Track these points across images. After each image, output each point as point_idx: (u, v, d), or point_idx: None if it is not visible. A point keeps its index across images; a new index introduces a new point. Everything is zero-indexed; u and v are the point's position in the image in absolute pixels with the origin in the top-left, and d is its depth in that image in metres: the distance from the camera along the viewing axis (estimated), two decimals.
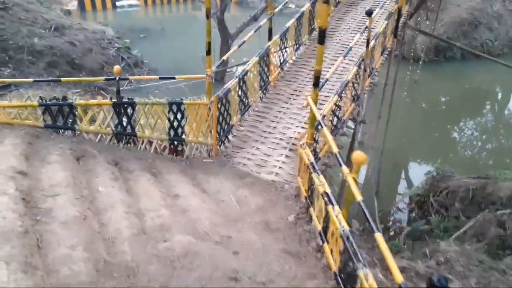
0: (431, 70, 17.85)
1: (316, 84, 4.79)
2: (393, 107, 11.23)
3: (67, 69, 14.24)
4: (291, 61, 8.17)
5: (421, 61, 16.82)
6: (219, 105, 5.96)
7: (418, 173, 12.59)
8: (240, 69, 15.78)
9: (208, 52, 5.35)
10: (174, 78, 6.00)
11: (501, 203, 8.79)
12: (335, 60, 7.88)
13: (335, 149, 4.11)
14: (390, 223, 10.34)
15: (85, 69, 14.57)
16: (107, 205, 4.37)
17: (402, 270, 5.32)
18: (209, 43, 5.28)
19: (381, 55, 7.82)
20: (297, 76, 7.87)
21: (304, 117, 6.97)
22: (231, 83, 6.26)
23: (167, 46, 19.16)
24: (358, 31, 8.89)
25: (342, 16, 9.71)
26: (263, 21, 6.97)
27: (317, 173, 4.65)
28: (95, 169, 4.93)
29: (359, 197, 3.49)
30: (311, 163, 4.85)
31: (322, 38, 4.46)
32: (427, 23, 18.19)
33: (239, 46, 6.28)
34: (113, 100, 5.38)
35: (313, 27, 8.80)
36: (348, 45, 8.50)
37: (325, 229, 4.38)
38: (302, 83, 7.70)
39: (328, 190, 4.31)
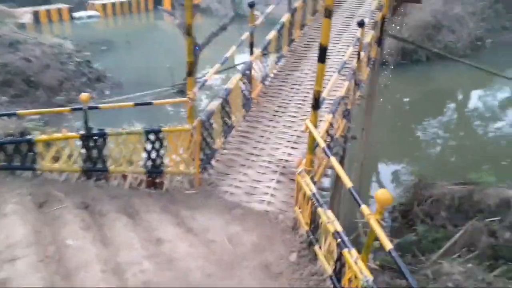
0: (398, 74, 17.88)
1: (316, 106, 4.25)
2: (372, 116, 10.93)
3: (23, 87, 13.23)
4: (272, 75, 7.62)
5: (391, 65, 16.76)
6: (202, 130, 5.31)
7: (395, 179, 12.40)
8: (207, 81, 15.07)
9: (190, 73, 4.69)
10: (151, 103, 5.29)
11: (489, 211, 8.60)
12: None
13: (348, 184, 3.57)
14: None
15: (42, 86, 13.56)
16: (79, 264, 3.64)
17: None
18: (191, 63, 4.62)
19: (367, 65, 7.42)
20: (280, 91, 7.32)
21: (292, 136, 6.43)
22: (214, 104, 5.62)
23: (130, 57, 18.31)
24: (338, 40, 8.48)
25: (320, 25, 9.23)
26: (245, 34, 6.37)
27: (323, 207, 4.10)
28: (62, 216, 4.18)
29: (388, 246, 2.95)
30: (314, 195, 4.30)
31: (323, 56, 3.93)
32: (393, 26, 18.20)
33: (222, 63, 5.65)
34: (81, 132, 4.62)
35: (292, 38, 8.30)
36: (330, 56, 8.06)
37: (337, 272, 3.84)
38: (286, 98, 7.16)
39: (340, 229, 3.77)
